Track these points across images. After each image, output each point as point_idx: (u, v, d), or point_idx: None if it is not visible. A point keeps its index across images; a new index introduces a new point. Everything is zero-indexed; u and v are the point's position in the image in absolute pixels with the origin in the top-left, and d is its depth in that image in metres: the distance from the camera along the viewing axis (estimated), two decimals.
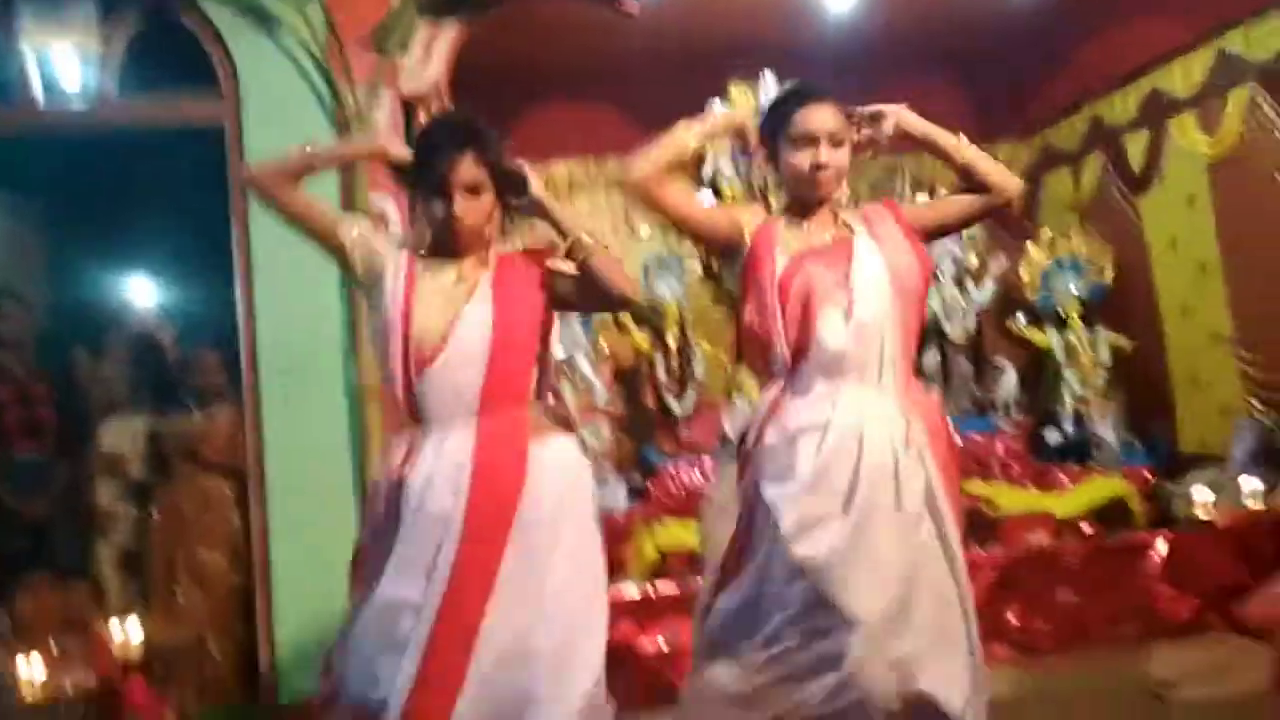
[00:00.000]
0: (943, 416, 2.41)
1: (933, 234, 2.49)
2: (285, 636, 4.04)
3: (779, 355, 2.31)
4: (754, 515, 2.31)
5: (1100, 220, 6.52)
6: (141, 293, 5.24)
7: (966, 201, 2.46)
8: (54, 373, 4.75)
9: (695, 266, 6.62)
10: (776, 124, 2.42)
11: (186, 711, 3.74)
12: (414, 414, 2.16)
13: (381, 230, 2.44)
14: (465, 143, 2.20)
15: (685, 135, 2.38)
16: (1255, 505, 4.55)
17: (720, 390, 6.40)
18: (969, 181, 2.44)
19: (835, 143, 2.35)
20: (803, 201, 2.41)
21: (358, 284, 2.30)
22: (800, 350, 2.29)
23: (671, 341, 6.21)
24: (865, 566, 2.16)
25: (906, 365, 2.35)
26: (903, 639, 2.14)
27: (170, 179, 4.76)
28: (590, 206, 7.00)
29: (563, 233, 2.23)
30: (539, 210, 2.26)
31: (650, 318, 6.30)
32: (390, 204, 4.37)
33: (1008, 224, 7.10)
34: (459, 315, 2.17)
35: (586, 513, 2.23)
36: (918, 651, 2.14)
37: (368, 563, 2.14)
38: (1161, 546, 4.47)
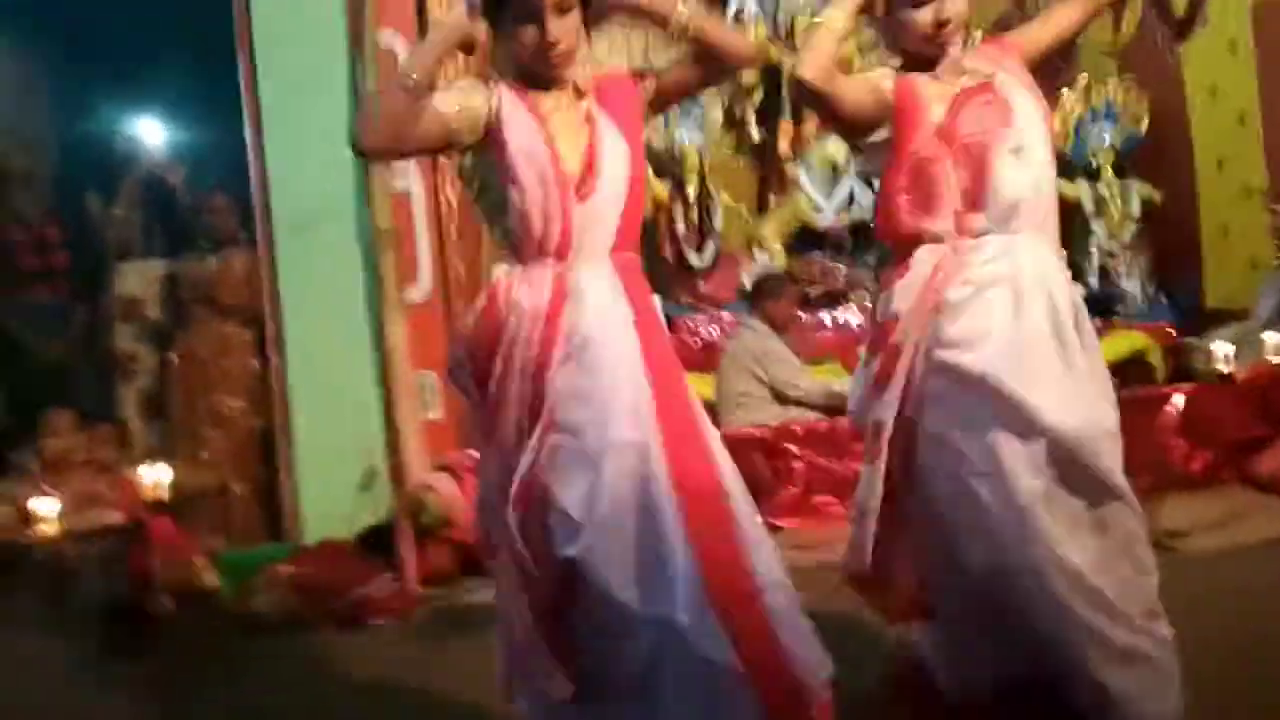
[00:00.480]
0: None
1: (1054, 53, 2.28)
2: (307, 479, 4.13)
3: (948, 209, 2.13)
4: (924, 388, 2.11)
5: (1139, 67, 6.28)
6: (151, 133, 5.15)
7: (1067, 10, 2.24)
8: (67, 216, 4.72)
9: (717, 114, 6.44)
10: None
11: (213, 553, 3.85)
12: (561, 252, 1.99)
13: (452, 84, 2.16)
14: None
15: (839, 16, 2.13)
16: (1277, 361, 4.50)
17: (740, 243, 6.32)
18: None
19: None
20: (922, 59, 2.20)
21: (470, 150, 2.07)
22: (974, 201, 2.11)
23: (691, 192, 6.08)
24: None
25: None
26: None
27: (178, 17, 4.62)
28: (609, 46, 6.78)
29: (651, 17, 2.02)
30: (621, 6, 2.04)
31: (670, 166, 6.17)
32: (399, 40, 4.23)
33: (1042, 69, 6.85)
34: (597, 148, 2.00)
35: None
36: None
37: (507, 401, 1.97)
38: (1178, 400, 4.45)
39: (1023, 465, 2.00)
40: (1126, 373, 5.17)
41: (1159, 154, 6.12)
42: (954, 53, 2.21)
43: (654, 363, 1.98)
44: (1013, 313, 2.06)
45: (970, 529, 2.05)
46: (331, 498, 4.07)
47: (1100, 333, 5.42)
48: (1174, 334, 5.40)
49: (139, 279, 4.59)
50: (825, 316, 5.95)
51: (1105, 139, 6.04)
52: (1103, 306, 5.73)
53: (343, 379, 4.15)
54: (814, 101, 2.18)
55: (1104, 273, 5.85)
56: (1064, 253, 2.21)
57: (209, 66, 4.47)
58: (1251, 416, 4.37)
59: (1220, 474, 4.29)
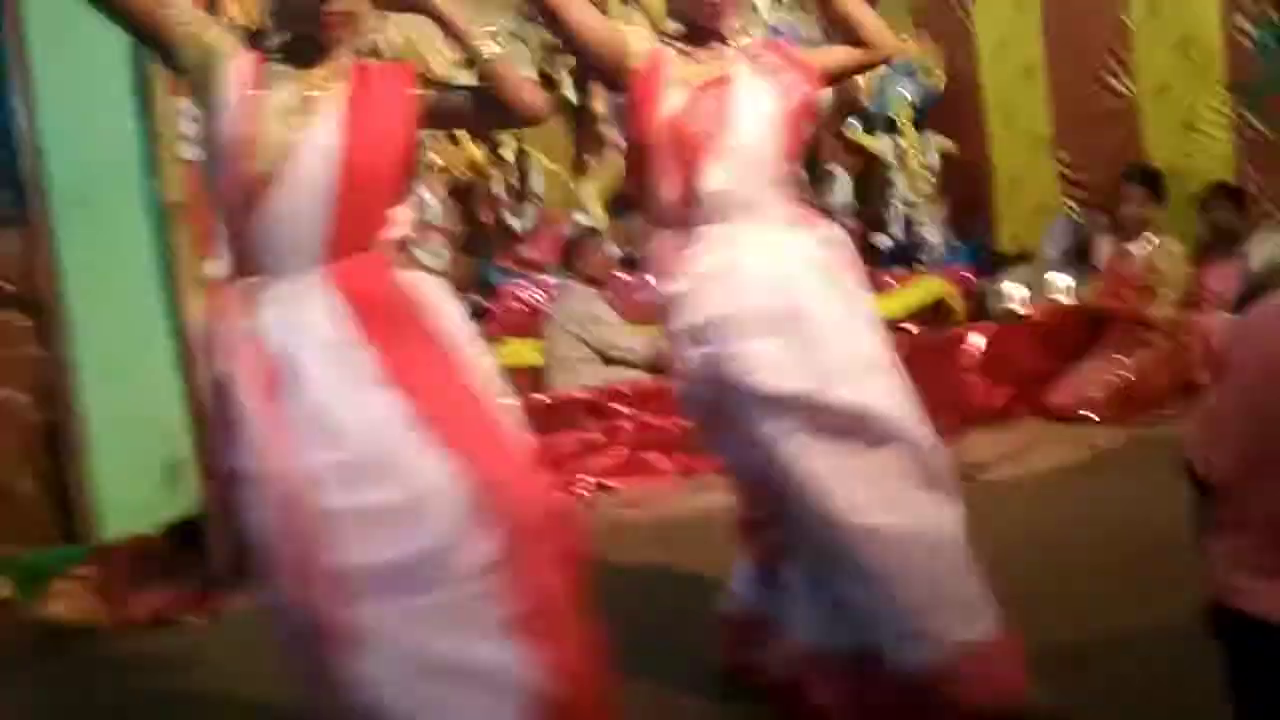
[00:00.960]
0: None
1: (838, 75, 2.42)
2: (103, 473, 3.85)
3: (664, 198, 2.19)
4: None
5: (934, 22, 6.53)
6: None
7: (843, 54, 2.35)
8: None
9: (530, 73, 6.35)
10: None
11: (2, 559, 3.57)
12: (247, 262, 1.82)
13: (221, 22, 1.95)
14: None
15: None
16: (1065, 300, 4.81)
17: (560, 206, 6.27)
18: (845, 34, 2.33)
19: None
20: (693, 30, 2.24)
21: (193, 93, 1.91)
22: (687, 195, 2.17)
23: (508, 155, 5.99)
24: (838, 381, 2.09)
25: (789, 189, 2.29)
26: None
27: None
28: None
29: (448, 29, 1.89)
30: (420, 4, 1.88)
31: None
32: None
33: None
34: (303, 139, 1.78)
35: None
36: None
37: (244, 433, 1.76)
38: (976, 340, 4.70)
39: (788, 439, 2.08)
40: (930, 317, 5.44)
41: (954, 107, 6.39)
42: (727, 33, 2.24)
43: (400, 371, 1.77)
44: (733, 300, 2.12)
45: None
46: (131, 492, 3.82)
47: (904, 280, 5.75)
48: (972, 278, 5.69)
49: None
50: (650, 276, 5.98)
51: (904, 93, 6.26)
52: (906, 255, 5.98)
53: (137, 364, 3.88)
54: (552, 24, 2.17)
55: (907, 223, 6.09)
56: (802, 225, 2.26)
57: None
58: (1043, 352, 4.67)
59: (1017, 408, 4.58)
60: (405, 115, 1.87)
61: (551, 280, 5.72)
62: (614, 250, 5.38)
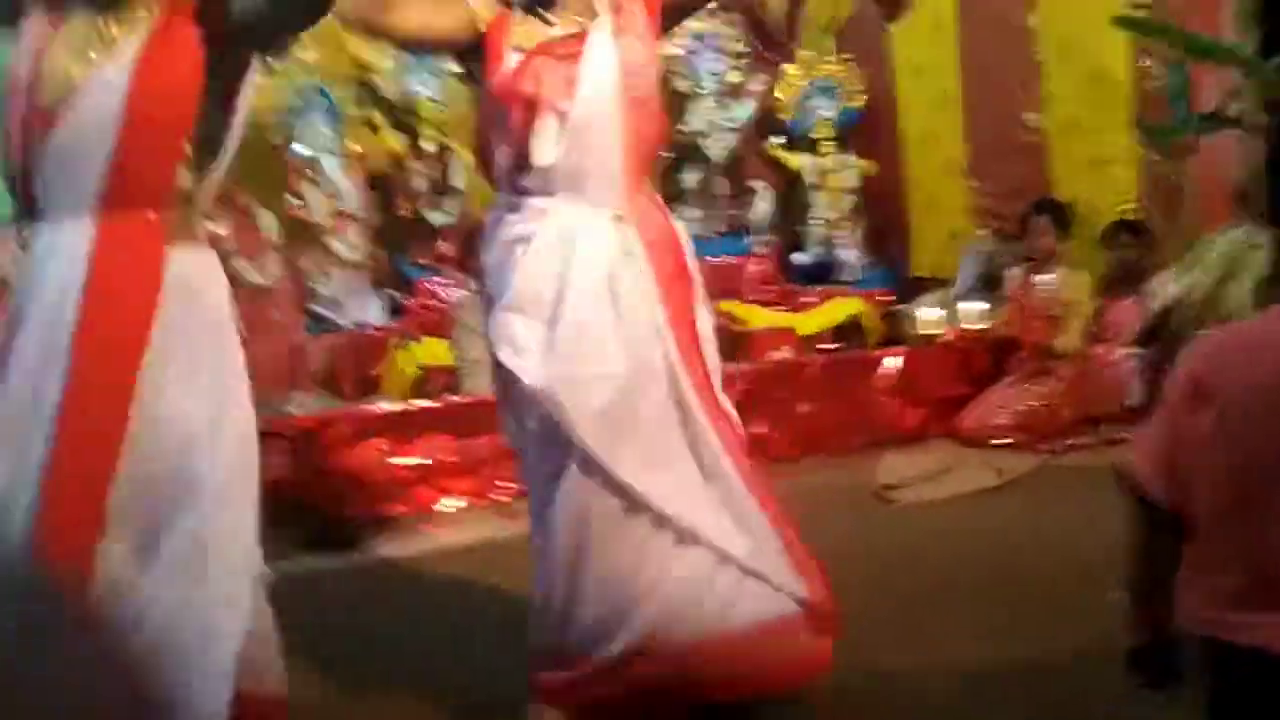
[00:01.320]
0: (671, 227, 2.23)
1: (674, 12, 2.28)
2: None
3: (500, 166, 2.14)
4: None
5: (855, 45, 6.64)
6: None
7: None
8: None
9: (452, 64, 6.23)
10: None
11: None
12: (26, 201, 1.74)
13: None
14: None
15: None
16: (976, 325, 4.95)
17: (482, 202, 6.16)
18: None
19: None
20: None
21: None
22: (519, 162, 2.09)
23: (428, 146, 5.86)
24: (581, 381, 2.02)
25: (634, 174, 2.16)
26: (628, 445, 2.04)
27: None
28: None
29: None
30: None
31: (404, 118, 5.91)
32: None
33: (769, 44, 7.12)
34: (88, 77, 1.67)
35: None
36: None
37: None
38: (891, 362, 4.81)
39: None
40: (845, 336, 5.53)
41: (872, 129, 6.51)
42: None
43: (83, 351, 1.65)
44: (516, 272, 2.08)
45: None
46: None
47: (823, 298, 5.82)
48: (887, 300, 5.81)
49: None
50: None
51: (825, 113, 6.36)
52: (824, 274, 6.08)
53: None
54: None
55: (825, 242, 6.18)
56: (654, 209, 2.20)
57: None
58: (955, 376, 4.80)
59: (929, 430, 4.70)
60: (197, 64, 1.73)
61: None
62: None
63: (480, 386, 4.50)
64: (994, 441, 4.43)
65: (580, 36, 2.11)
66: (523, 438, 2.14)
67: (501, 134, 2.11)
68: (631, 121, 2.12)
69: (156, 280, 1.70)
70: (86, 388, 1.64)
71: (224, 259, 4.84)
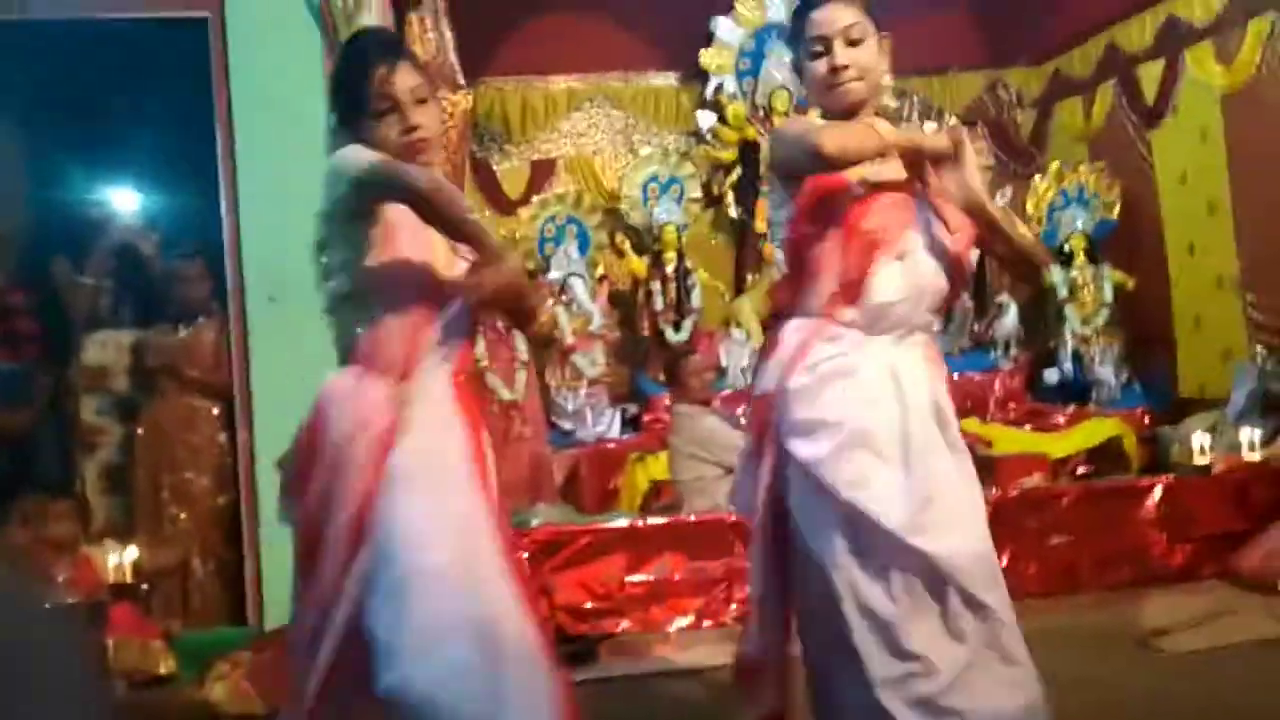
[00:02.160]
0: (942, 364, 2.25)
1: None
2: (272, 560, 3.99)
3: (817, 294, 2.12)
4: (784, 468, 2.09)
5: (1110, 153, 6.41)
6: (124, 199, 5.06)
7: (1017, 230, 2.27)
8: (34, 282, 4.61)
9: (695, 190, 6.49)
10: (796, 32, 2.18)
11: (172, 635, 3.70)
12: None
13: None
14: (396, 50, 2.00)
15: (885, 136, 2.05)
16: (1253, 454, 4.52)
17: (717, 321, 6.32)
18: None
19: (851, 41, 2.09)
20: (834, 115, 2.17)
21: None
22: (849, 293, 2.09)
23: (669, 269, 6.09)
24: (945, 526, 1.99)
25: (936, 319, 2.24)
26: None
27: (154, 76, 4.58)
28: (588, 123, 6.83)
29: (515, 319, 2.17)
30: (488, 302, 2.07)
31: (648, 243, 6.18)
32: None
33: (1016, 154, 6.97)
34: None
35: None
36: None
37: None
38: (1157, 491, 4.44)
39: (865, 576, 1.96)
40: (1102, 459, 5.19)
41: (1131, 241, 6.20)
42: (875, 109, 2.18)
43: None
44: (858, 407, 2.02)
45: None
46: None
47: (1076, 419, 5.53)
48: (1148, 422, 5.42)
49: (106, 348, 4.48)
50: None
51: (1077, 224, 6.13)
52: (1078, 392, 5.76)
53: None
54: (819, 168, 2.07)
55: (1077, 358, 5.88)
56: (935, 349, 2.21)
57: (186, 134, 4.42)
58: (1230, 510, 4.37)
59: (1201, 569, 4.28)
60: None
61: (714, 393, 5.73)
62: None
63: (703, 504, 4.53)
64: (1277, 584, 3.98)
65: (909, 185, 2.14)
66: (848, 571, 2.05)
67: (830, 263, 2.11)
68: (951, 271, 2.17)
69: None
70: None
71: (480, 375, 5.20)
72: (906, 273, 2.10)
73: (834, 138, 1.99)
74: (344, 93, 2.00)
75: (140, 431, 4.32)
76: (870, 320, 2.09)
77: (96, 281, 4.56)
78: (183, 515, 4.21)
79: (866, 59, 2.12)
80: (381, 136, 1.95)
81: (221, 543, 4.20)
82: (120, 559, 3.51)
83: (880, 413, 2.03)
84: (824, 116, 2.21)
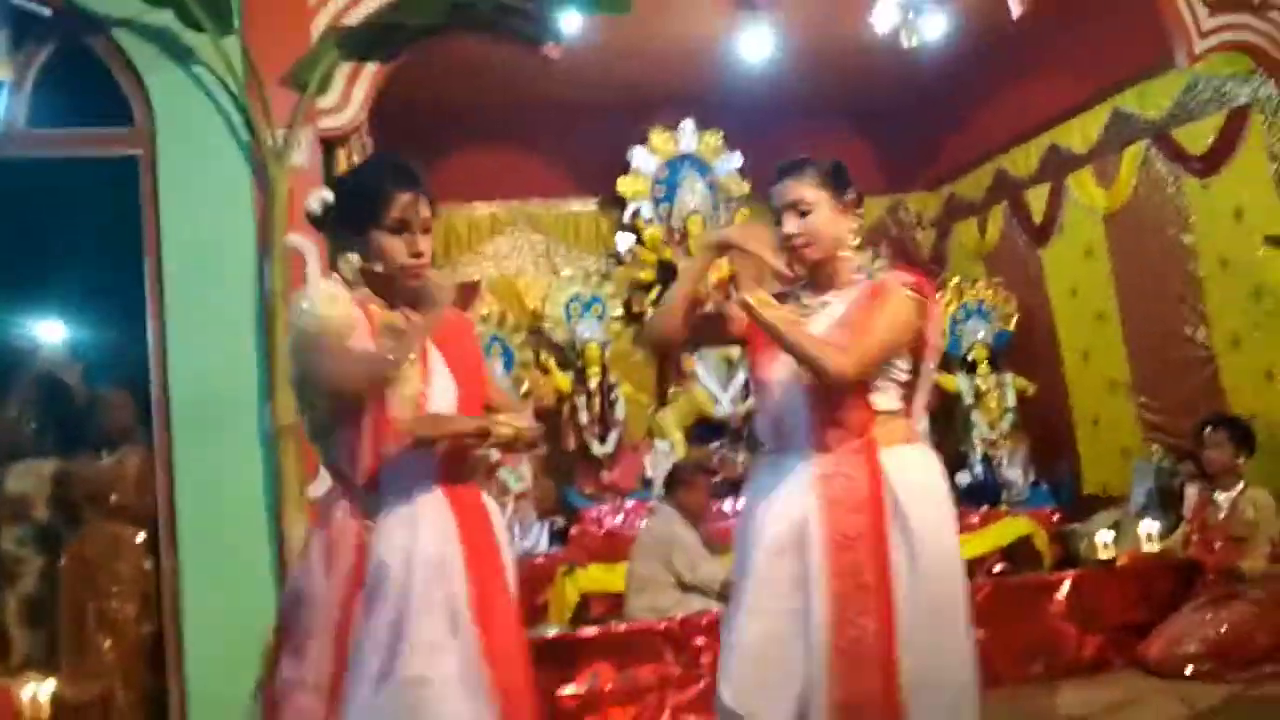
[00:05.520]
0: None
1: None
2: (197, 687, 3.92)
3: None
4: None
5: (1005, 268, 6.78)
6: (49, 329, 5.08)
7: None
8: None
9: (617, 308, 6.70)
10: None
11: None
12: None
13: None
14: (419, 182, 2.16)
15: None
16: (1152, 545, 4.75)
17: (641, 432, 6.45)
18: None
19: (802, 212, 2.35)
20: (804, 273, 2.42)
21: None
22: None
23: (593, 383, 6.23)
24: None
25: (829, 424, 2.33)
26: None
27: (82, 212, 4.65)
28: (511, 246, 7.04)
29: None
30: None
31: (572, 359, 6.33)
32: (309, 244, 4.33)
33: (915, 272, 7.33)
34: (429, 382, 2.13)
35: None
36: None
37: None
38: (1065, 586, 4.62)
39: None
40: (1015, 557, 5.37)
41: (1029, 349, 6.54)
42: (843, 264, 2.41)
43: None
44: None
45: None
46: (224, 708, 3.86)
47: (989, 519, 5.71)
48: (1056, 519, 5.64)
49: (27, 478, 4.42)
50: (726, 505, 6.05)
51: (979, 335, 6.44)
52: (989, 494, 5.98)
53: (239, 582, 3.99)
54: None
55: (986, 461, 6.12)
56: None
57: (113, 265, 4.47)
58: (1134, 602, 4.57)
59: (1111, 659, 4.44)
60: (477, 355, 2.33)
61: (630, 504, 5.82)
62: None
63: (646, 605, 4.59)
64: (1183, 672, 4.15)
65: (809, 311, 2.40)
66: None
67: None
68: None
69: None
70: None
71: (491, 470, 5.15)
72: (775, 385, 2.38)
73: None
74: (364, 202, 2.13)
75: (64, 560, 4.24)
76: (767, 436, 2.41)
77: (19, 411, 4.53)
78: (108, 644, 4.11)
79: (817, 225, 2.35)
80: (388, 250, 2.12)
81: (146, 672, 4.11)
82: (35, 694, 3.42)
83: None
84: (791, 269, 2.41)
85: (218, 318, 4.17)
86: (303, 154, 4.32)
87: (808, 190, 2.37)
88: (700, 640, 4.40)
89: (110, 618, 4.14)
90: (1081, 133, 6.10)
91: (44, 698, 3.36)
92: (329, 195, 2.20)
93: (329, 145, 4.47)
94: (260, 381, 4.17)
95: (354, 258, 2.14)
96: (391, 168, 2.19)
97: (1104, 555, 4.79)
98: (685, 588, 4.75)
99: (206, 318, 4.18)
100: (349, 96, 4.45)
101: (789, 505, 2.26)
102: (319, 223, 2.21)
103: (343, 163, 4.57)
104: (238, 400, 4.15)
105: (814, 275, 2.39)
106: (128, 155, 4.25)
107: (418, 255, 2.13)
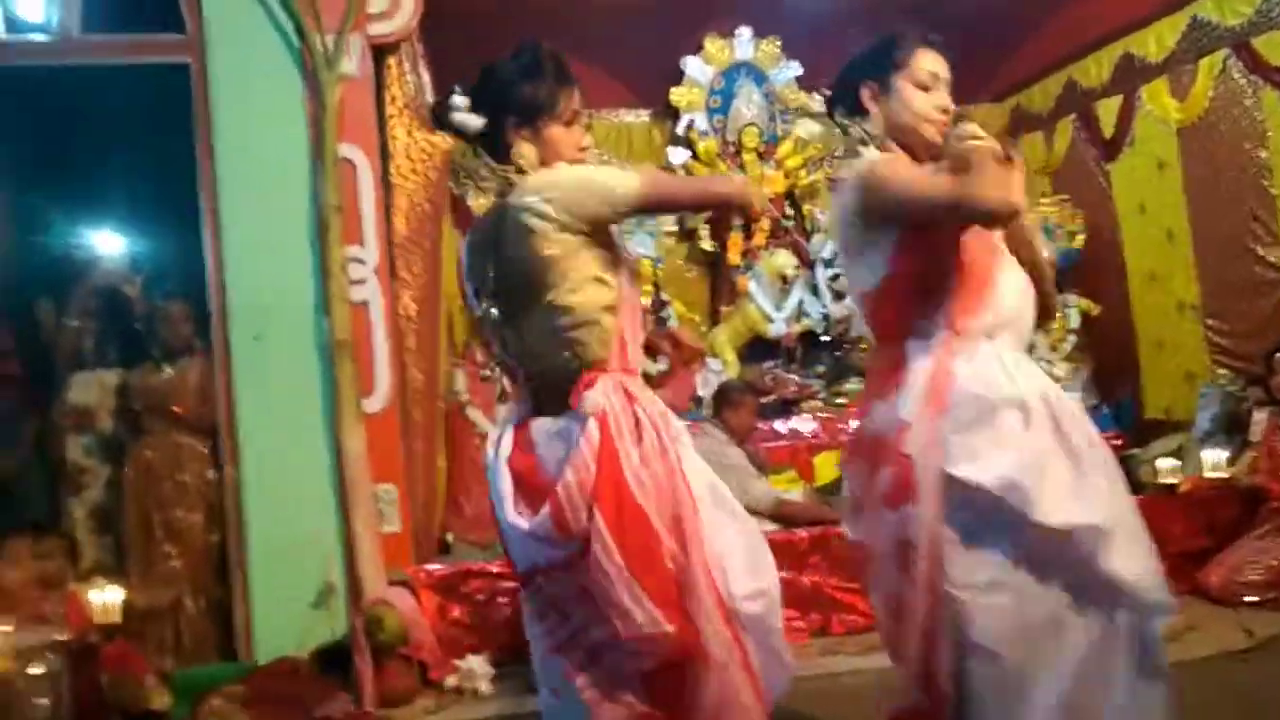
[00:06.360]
0: None
1: None
2: (261, 594, 4.03)
3: (948, 310, 2.14)
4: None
5: (1071, 185, 6.58)
6: (108, 242, 5.12)
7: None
8: (18, 325, 4.64)
9: (669, 224, 6.61)
10: (893, 64, 2.26)
11: (164, 671, 3.72)
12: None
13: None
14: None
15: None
16: (1217, 474, 4.65)
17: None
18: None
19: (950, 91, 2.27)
20: (916, 150, 2.24)
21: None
22: (975, 304, 2.14)
23: (645, 302, 6.17)
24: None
25: None
26: None
27: (136, 120, 4.64)
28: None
29: None
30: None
31: None
32: (358, 152, 4.30)
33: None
34: None
35: None
36: None
37: None
38: None
39: (1043, 587, 2.00)
40: None
41: (1094, 269, 6.36)
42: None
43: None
44: (1022, 427, 2.06)
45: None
46: (286, 614, 3.98)
47: None
48: (1117, 444, 5.54)
49: (91, 388, 4.50)
50: (779, 425, 6.02)
51: (1044, 254, 6.26)
52: None
53: (299, 491, 4.08)
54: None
55: None
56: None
57: (169, 177, 4.48)
58: (1196, 529, 4.49)
59: (1170, 585, 4.37)
60: None
61: (683, 423, 5.80)
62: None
63: None
64: (1244, 599, 4.10)
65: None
66: None
67: (948, 281, 2.14)
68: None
69: None
70: None
71: (461, 409, 5.22)
72: (1017, 275, 2.21)
73: (999, 198, 1.98)
74: (542, 92, 2.12)
75: (128, 471, 4.33)
76: (995, 326, 2.14)
77: (80, 323, 4.59)
78: (174, 553, 4.22)
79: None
80: (561, 140, 2.13)
81: (212, 579, 4.22)
82: (106, 601, 3.52)
83: (1049, 437, 2.06)
84: (901, 148, 2.25)
85: (273, 228, 4.19)
86: (353, 62, 4.27)
87: (946, 70, 2.29)
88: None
89: (176, 527, 4.24)
90: (1157, 41, 5.83)
91: (115, 603, 3.45)
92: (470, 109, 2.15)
93: (379, 52, 4.41)
94: (316, 295, 4.19)
95: (529, 149, 2.11)
96: (557, 61, 2.17)
97: (1166, 481, 4.70)
98: None
99: (261, 228, 4.20)
100: (399, 2, 4.37)
101: None
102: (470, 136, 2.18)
103: (393, 69, 4.51)
104: (294, 314, 4.19)
105: (921, 157, 2.26)
106: (180, 62, 4.23)
107: (584, 148, 2.19)
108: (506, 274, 2.10)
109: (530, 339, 2.10)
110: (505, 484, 2.10)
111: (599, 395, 2.01)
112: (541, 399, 2.12)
